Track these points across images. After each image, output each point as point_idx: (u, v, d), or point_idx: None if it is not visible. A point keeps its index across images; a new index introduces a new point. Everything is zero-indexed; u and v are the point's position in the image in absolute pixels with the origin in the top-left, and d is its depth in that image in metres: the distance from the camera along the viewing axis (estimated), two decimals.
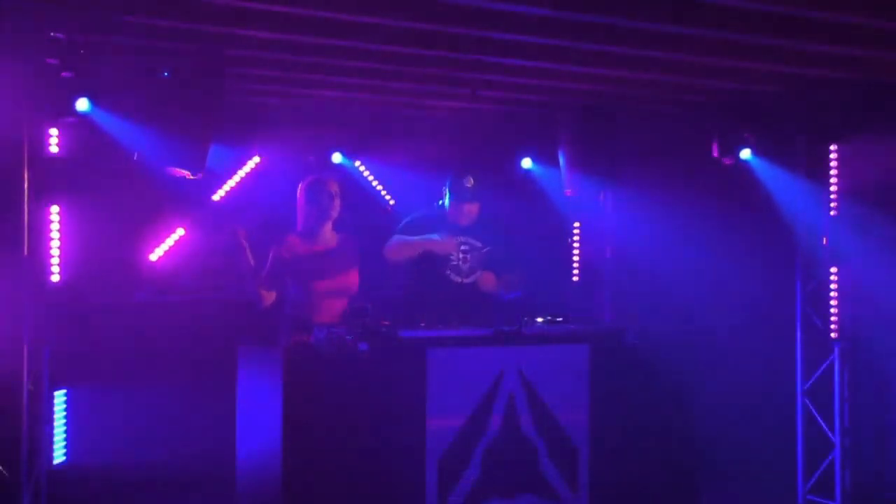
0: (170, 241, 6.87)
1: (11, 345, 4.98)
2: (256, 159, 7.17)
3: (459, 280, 5.54)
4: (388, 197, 7.58)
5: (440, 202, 5.67)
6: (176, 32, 4.91)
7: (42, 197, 5.45)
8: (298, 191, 5.46)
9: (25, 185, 4.99)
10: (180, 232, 6.90)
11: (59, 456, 6.05)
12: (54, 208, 5.61)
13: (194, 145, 5.45)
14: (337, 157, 7.18)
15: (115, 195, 6.41)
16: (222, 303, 6.91)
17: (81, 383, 6.33)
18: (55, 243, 5.64)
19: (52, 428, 5.82)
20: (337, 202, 5.38)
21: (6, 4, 4.55)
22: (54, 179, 5.60)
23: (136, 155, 5.56)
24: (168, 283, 6.85)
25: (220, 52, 5.24)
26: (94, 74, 5.21)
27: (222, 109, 5.56)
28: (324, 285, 5.24)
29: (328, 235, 5.40)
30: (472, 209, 5.60)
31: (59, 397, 6.08)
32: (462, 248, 5.55)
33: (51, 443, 5.81)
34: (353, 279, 5.35)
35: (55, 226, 5.64)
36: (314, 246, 5.34)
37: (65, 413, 6.17)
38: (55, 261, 5.59)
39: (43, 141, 5.39)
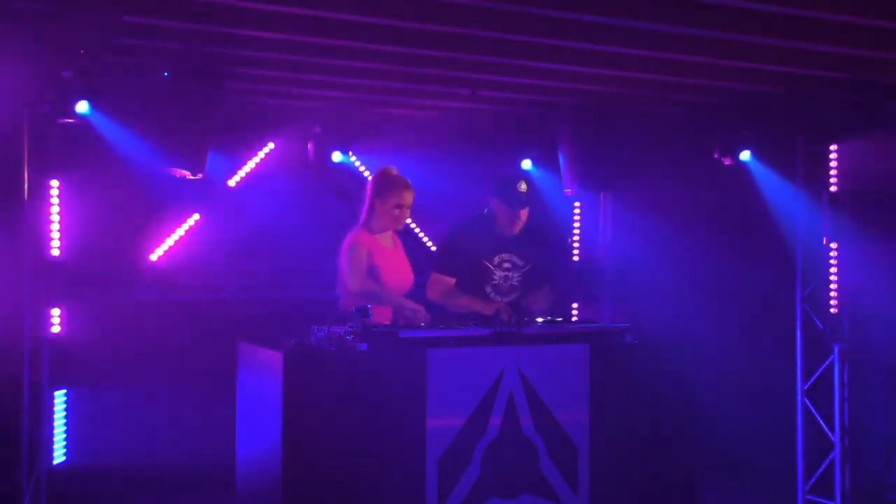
0: (170, 241, 6.88)
1: (11, 345, 4.98)
2: (258, 156, 7.19)
3: (500, 299, 5.36)
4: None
5: (486, 210, 5.42)
6: (176, 32, 4.91)
7: (42, 199, 5.46)
8: (374, 179, 5.33)
9: (25, 185, 4.99)
10: (183, 229, 6.91)
11: (59, 456, 6.05)
12: (54, 208, 5.62)
13: (194, 145, 5.46)
14: (337, 156, 7.17)
15: (116, 195, 6.42)
16: (222, 303, 6.91)
17: (81, 383, 6.33)
18: (55, 244, 5.65)
19: (52, 428, 5.82)
20: (408, 214, 5.33)
21: (6, 5, 4.55)
22: (54, 179, 5.62)
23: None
24: (169, 283, 6.85)
25: (220, 52, 5.25)
26: (94, 74, 5.21)
27: (222, 109, 5.56)
28: (393, 280, 5.21)
29: (389, 235, 5.39)
30: (524, 214, 5.38)
31: (59, 397, 6.08)
32: (504, 265, 5.41)
33: (51, 443, 5.81)
34: (411, 275, 5.36)
35: (55, 226, 5.65)
36: (381, 241, 5.29)
37: (65, 413, 6.17)
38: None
39: (42, 140, 5.39)
